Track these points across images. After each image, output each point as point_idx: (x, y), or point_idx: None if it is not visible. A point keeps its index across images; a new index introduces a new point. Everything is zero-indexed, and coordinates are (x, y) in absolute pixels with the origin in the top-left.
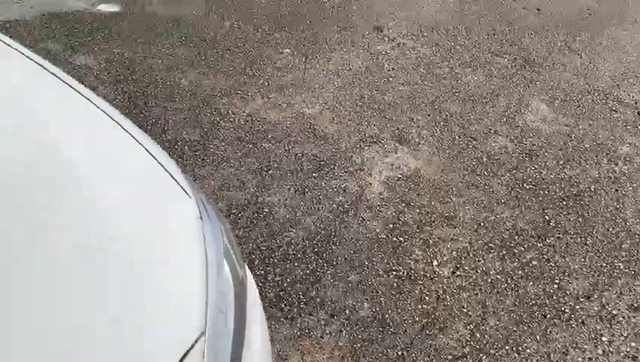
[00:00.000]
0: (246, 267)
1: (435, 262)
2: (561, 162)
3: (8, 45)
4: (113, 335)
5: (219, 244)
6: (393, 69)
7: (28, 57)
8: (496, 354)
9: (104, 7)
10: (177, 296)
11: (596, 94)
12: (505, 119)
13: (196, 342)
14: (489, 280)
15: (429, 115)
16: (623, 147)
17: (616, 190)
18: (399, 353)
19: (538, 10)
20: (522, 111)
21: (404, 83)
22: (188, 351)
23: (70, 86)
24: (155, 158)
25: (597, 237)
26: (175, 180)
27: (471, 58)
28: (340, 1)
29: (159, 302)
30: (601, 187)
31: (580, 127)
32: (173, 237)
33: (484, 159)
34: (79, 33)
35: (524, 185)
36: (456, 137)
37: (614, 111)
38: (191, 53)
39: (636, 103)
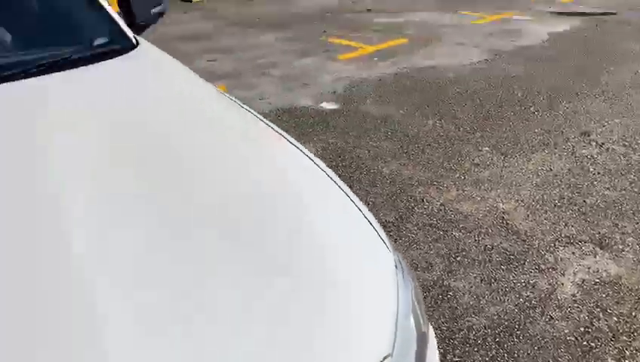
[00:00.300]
0: (429, 324)
1: None
2: None
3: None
4: (316, 349)
5: (408, 296)
6: (599, 173)
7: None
8: None
9: (325, 105)
10: (371, 328)
11: None
12: None
13: (384, 359)
14: None
15: (637, 223)
16: None
17: None
18: None
19: None
20: None
21: (611, 188)
22: None
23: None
24: (367, 218)
25: None
26: (380, 237)
27: None
28: (545, 107)
29: (355, 327)
30: None
31: None
32: (373, 279)
33: None
34: (303, 125)
35: None
36: None
37: None
38: (394, 147)
39: None
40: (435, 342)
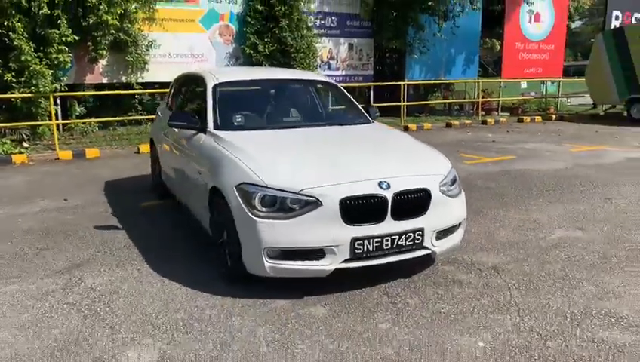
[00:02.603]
0: (463, 192)
1: None
2: None
3: None
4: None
5: (455, 176)
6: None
7: None
8: None
9: None
10: (437, 165)
11: None
12: None
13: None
14: None
15: None
16: None
17: None
18: None
19: None
20: None
21: None
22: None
23: None
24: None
25: None
26: (444, 160)
27: None
28: (592, 188)
29: (430, 163)
30: None
31: None
32: (441, 156)
33: None
34: None
35: None
36: None
37: None
38: (489, 196)
39: None
40: (464, 198)
